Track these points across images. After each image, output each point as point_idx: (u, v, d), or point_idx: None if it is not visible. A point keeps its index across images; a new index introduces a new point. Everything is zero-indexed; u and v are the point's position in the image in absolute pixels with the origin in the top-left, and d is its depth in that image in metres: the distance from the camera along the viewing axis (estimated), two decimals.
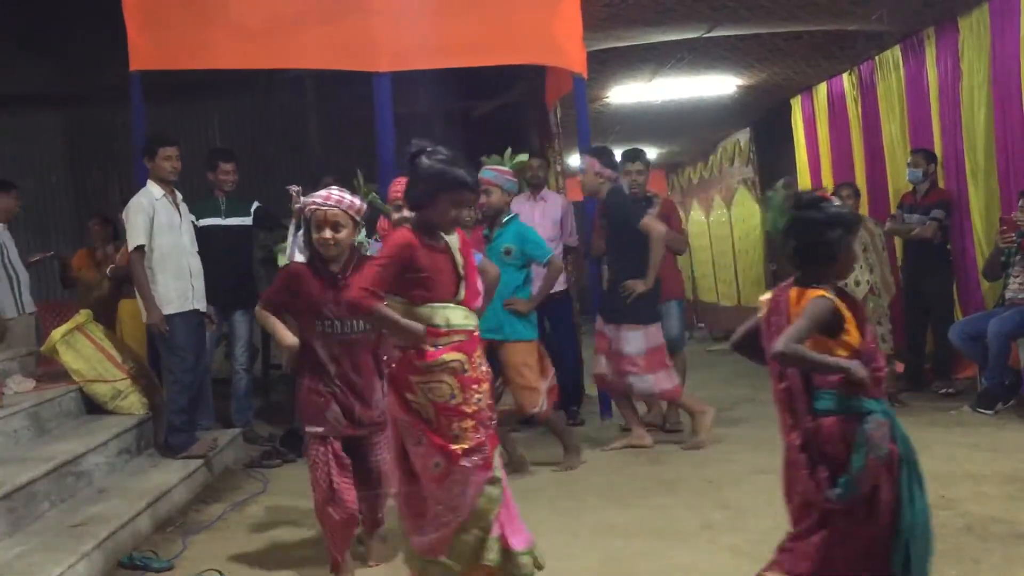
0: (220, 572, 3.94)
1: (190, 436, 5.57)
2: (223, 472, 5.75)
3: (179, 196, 5.68)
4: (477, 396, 3.29)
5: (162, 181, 5.54)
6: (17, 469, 4.41)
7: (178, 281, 5.50)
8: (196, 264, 5.66)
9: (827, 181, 9.39)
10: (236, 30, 6.14)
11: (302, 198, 3.83)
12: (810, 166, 10.06)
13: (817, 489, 2.64)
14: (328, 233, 3.71)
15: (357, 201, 3.80)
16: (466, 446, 3.24)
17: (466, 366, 3.28)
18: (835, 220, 2.72)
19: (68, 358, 5.61)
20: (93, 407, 5.68)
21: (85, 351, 5.66)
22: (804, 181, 10.02)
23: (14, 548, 3.91)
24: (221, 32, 6.16)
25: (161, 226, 5.46)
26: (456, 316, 3.31)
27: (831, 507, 2.64)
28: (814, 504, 2.68)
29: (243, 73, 6.79)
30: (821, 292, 2.67)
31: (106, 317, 6.52)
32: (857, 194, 7.49)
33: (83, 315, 5.85)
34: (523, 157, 5.56)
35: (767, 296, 2.86)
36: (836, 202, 2.81)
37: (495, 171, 5.28)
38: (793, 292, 2.75)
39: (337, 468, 3.75)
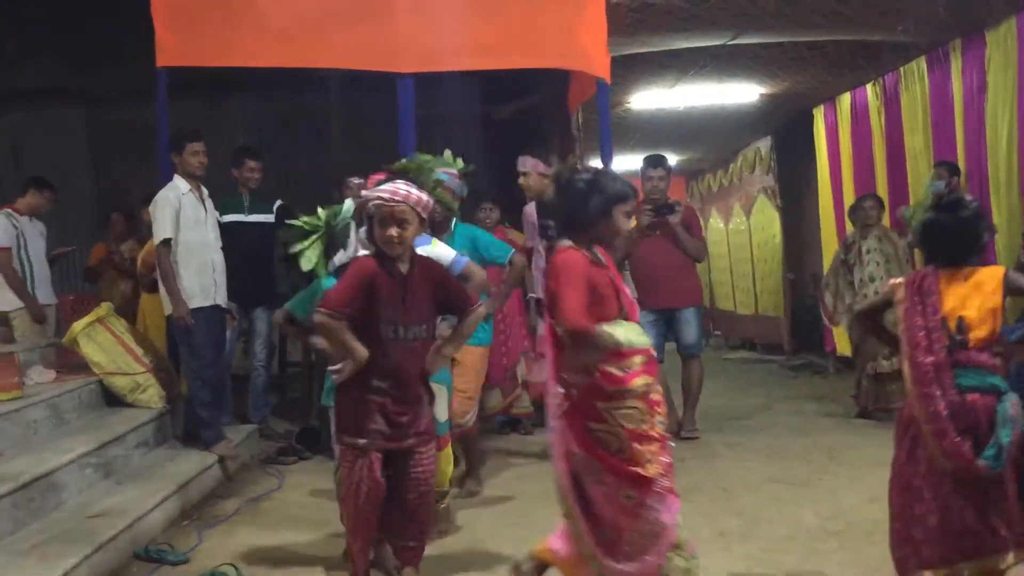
0: (235, 566, 3.96)
1: (218, 430, 5.62)
2: (239, 467, 5.78)
3: (205, 191, 5.71)
4: (659, 418, 3.17)
5: (189, 176, 5.57)
6: (36, 459, 4.45)
7: (202, 276, 5.52)
8: (220, 260, 5.67)
9: (848, 192, 9.34)
10: (262, 29, 6.17)
11: (364, 192, 3.57)
12: (831, 176, 10.02)
13: (969, 456, 2.99)
14: (394, 230, 3.44)
15: (424, 196, 3.56)
16: (659, 470, 3.11)
17: (651, 388, 3.16)
18: (978, 215, 3.29)
19: (89, 350, 5.65)
20: (112, 399, 5.72)
21: (106, 344, 5.71)
22: (825, 192, 9.99)
23: (32, 538, 3.95)
24: (247, 31, 6.19)
25: (187, 221, 5.48)
26: (633, 334, 3.19)
27: (984, 474, 2.99)
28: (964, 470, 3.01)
29: (267, 73, 6.82)
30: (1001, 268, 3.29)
31: (130, 312, 6.59)
32: (881, 205, 7.46)
33: (104, 308, 5.90)
34: (460, 164, 4.82)
35: (899, 280, 3.32)
36: (970, 199, 3.37)
37: (448, 174, 4.68)
38: (942, 274, 3.22)
39: (370, 483, 3.48)
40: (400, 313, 3.46)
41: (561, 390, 3.16)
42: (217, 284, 5.61)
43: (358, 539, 3.58)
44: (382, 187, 3.51)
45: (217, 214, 5.89)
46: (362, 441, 3.47)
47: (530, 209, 7.03)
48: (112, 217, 7.68)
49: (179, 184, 5.54)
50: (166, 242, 5.43)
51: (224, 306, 5.72)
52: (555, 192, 3.36)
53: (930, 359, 3.10)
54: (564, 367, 3.17)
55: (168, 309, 5.48)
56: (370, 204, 3.47)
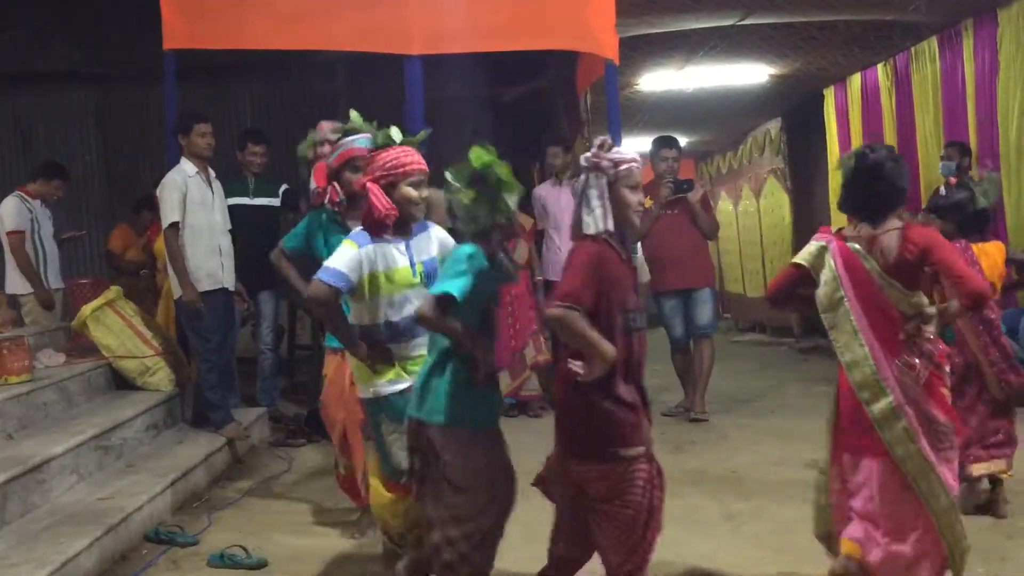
0: (244, 548, 3.98)
1: (227, 412, 5.63)
2: (248, 450, 5.81)
3: (212, 174, 5.69)
4: None
5: (196, 158, 5.54)
6: (46, 442, 4.47)
7: (209, 259, 5.52)
8: (227, 243, 5.66)
9: None
10: (269, 11, 6.16)
11: (604, 153, 2.94)
12: None
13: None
14: (640, 196, 3.00)
15: None
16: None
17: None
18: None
19: (98, 333, 5.67)
20: (122, 382, 5.74)
21: (115, 327, 5.73)
22: (835, 174, 9.92)
23: (43, 520, 3.97)
24: (255, 13, 6.17)
25: (194, 203, 5.46)
26: None
27: None
28: None
29: (275, 56, 6.81)
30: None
31: (152, 295, 6.63)
32: None
33: (113, 291, 5.91)
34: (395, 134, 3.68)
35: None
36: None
37: (368, 138, 3.82)
38: (975, 247, 4.28)
39: (661, 492, 2.97)
40: (635, 300, 3.01)
41: (916, 360, 3.09)
42: (224, 267, 5.60)
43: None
44: (616, 149, 2.97)
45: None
46: (642, 449, 2.92)
47: (541, 191, 7.03)
48: (142, 214, 7.54)
49: (186, 167, 5.53)
50: (173, 225, 5.42)
51: (232, 289, 5.72)
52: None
53: (994, 315, 4.12)
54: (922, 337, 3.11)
55: (177, 292, 5.48)
56: (619, 169, 2.92)
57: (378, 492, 3.52)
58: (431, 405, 3.01)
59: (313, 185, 4.02)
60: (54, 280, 6.79)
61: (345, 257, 3.25)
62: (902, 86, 8.58)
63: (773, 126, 11.89)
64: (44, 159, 7.47)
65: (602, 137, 3.03)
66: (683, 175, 7.15)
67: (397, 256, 3.33)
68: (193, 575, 3.89)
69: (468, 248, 3.00)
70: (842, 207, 3.35)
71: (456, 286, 2.90)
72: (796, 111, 11.22)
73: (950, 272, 3.12)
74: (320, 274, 3.25)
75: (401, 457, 3.26)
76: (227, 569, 3.89)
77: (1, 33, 8.13)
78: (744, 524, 4.21)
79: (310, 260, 4.07)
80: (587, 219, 2.90)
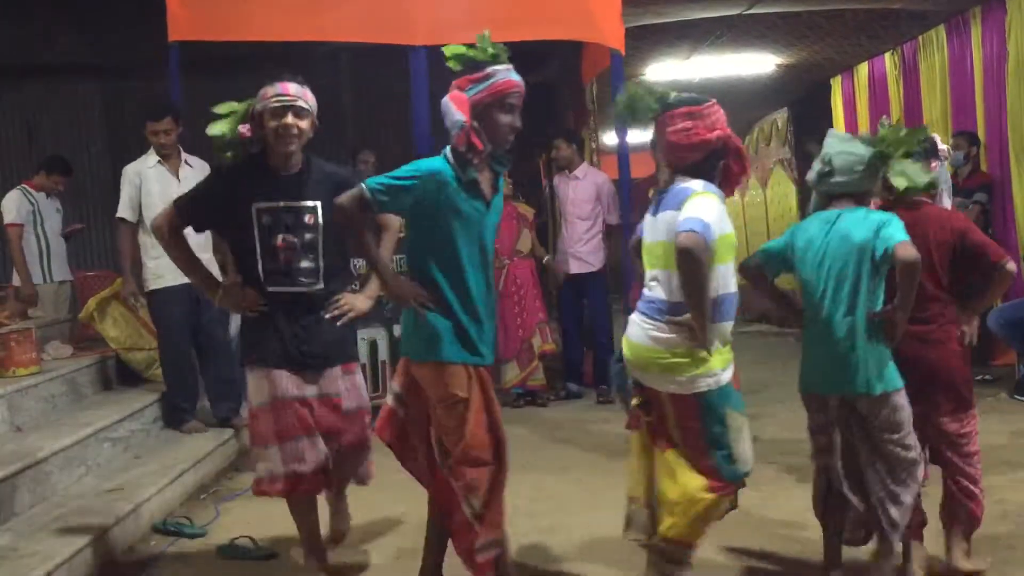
0: (252, 539, 3.99)
1: (179, 414, 5.40)
2: None
3: (188, 164, 5.40)
4: None
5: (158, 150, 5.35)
6: (54, 433, 4.49)
7: (170, 265, 5.26)
8: (199, 236, 5.30)
9: None
10: (274, 2, 6.16)
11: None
12: None
13: None
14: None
15: None
16: None
17: None
18: None
19: (105, 326, 5.69)
20: (129, 375, 5.76)
21: (122, 319, 5.74)
22: None
23: (52, 511, 3.98)
24: (259, 4, 6.17)
25: (151, 195, 5.24)
26: None
27: None
28: None
29: (279, 47, 6.79)
30: None
31: None
32: None
33: (120, 284, 5.91)
34: None
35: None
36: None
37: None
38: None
39: None
40: None
41: None
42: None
43: None
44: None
45: None
46: None
47: (556, 182, 7.03)
48: None
49: (148, 158, 5.36)
50: (120, 220, 5.34)
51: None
52: None
53: None
54: None
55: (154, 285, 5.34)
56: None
57: (695, 500, 3.09)
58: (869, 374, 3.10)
59: (460, 118, 3.10)
60: (60, 273, 6.80)
61: (715, 210, 2.94)
62: (910, 75, 8.54)
63: (780, 116, 11.85)
64: (49, 152, 7.48)
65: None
66: None
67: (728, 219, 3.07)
68: (201, 566, 3.89)
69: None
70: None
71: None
72: (803, 101, 11.18)
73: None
74: (688, 225, 2.87)
75: (749, 449, 3.13)
76: (235, 560, 3.90)
77: (7, 26, 8.13)
78: (753, 515, 4.20)
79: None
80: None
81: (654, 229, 3.12)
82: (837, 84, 10.23)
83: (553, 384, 7.05)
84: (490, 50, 3.19)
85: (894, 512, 3.14)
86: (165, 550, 4.02)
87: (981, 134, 7.23)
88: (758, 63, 9.30)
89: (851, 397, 3.16)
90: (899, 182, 3.26)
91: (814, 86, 10.45)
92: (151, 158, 5.38)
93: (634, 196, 6.97)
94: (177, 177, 5.36)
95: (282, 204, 3.36)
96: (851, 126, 9.89)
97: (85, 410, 5.08)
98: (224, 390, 5.51)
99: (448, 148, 3.11)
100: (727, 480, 3.11)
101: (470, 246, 3.11)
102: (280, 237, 3.34)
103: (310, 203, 3.39)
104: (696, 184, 3.03)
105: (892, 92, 8.92)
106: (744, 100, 11.18)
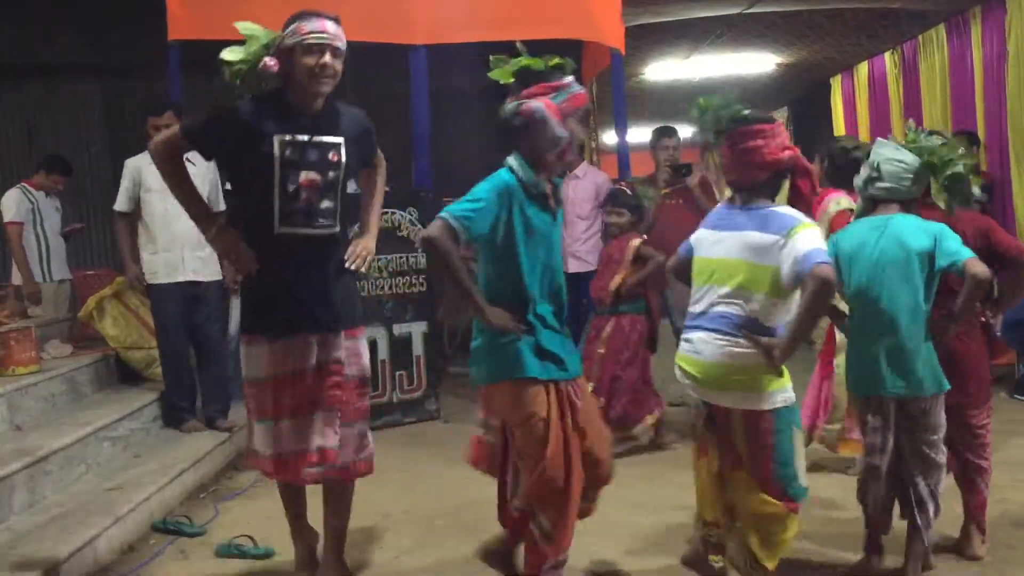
0: (252, 538, 3.98)
1: (178, 413, 5.38)
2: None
3: (187, 160, 5.34)
4: None
5: None
6: (54, 433, 4.48)
7: (166, 251, 5.25)
8: (192, 233, 4.98)
9: None
10: (273, 1, 6.14)
11: None
12: None
13: None
14: None
15: None
16: None
17: None
18: None
19: (104, 324, 5.68)
20: (129, 373, 5.75)
21: (121, 318, 5.73)
22: None
23: (51, 510, 3.98)
24: (258, 3, 6.16)
25: (150, 191, 5.23)
26: None
27: None
28: None
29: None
30: None
31: None
32: None
33: (120, 283, 5.91)
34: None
35: None
36: None
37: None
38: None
39: None
40: None
41: None
42: (185, 260, 5.25)
43: None
44: None
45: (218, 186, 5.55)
46: None
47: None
48: None
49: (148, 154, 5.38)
50: (118, 213, 5.35)
51: (201, 280, 5.34)
52: None
53: None
54: None
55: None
56: None
57: (779, 518, 3.12)
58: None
59: (564, 133, 3.08)
60: (59, 272, 6.81)
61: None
62: (909, 74, 8.54)
63: (780, 115, 11.85)
64: (49, 151, 7.48)
65: None
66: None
67: None
68: (201, 565, 3.89)
69: None
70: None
71: None
72: (803, 100, 11.19)
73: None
74: (820, 256, 2.87)
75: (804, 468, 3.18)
76: (235, 559, 3.90)
77: (7, 25, 8.13)
78: None
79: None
80: None
81: (727, 246, 3.12)
82: (837, 83, 10.23)
83: None
84: (552, 61, 3.20)
85: (931, 510, 3.25)
86: (164, 549, 4.02)
87: (981, 134, 7.23)
88: (758, 62, 9.31)
89: (906, 398, 3.21)
90: (941, 201, 3.32)
91: (814, 85, 10.46)
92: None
93: None
94: None
95: (308, 139, 3.14)
96: (851, 125, 9.90)
97: (85, 409, 5.08)
98: (215, 391, 5.48)
99: (515, 159, 3.06)
100: (796, 499, 3.15)
101: (541, 259, 3.11)
102: (303, 174, 3.13)
103: (336, 139, 3.21)
104: (792, 212, 3.07)
105: (892, 91, 8.92)
106: (744, 99, 11.16)
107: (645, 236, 5.49)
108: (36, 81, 8.96)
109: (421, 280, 6.23)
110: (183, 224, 5.16)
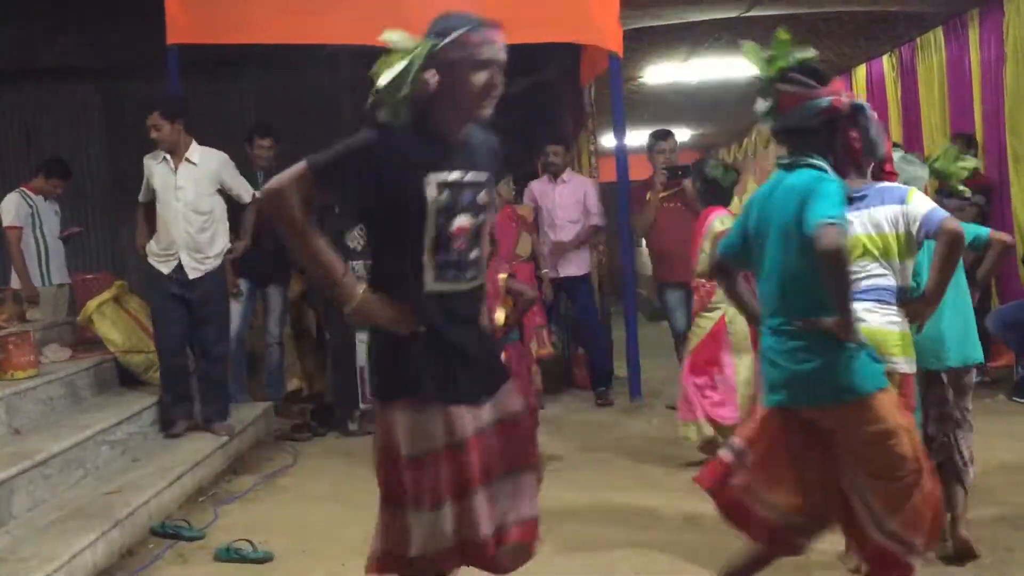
0: (251, 542, 3.98)
1: (168, 414, 5.37)
2: (255, 444, 5.81)
3: (187, 160, 5.32)
4: None
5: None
6: (53, 436, 4.49)
7: (160, 244, 5.31)
8: (184, 232, 5.27)
9: None
10: (272, 5, 6.16)
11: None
12: None
13: None
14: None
15: None
16: None
17: None
18: None
19: (103, 328, 5.68)
20: (128, 377, 5.75)
21: (120, 322, 5.74)
22: None
23: (50, 514, 3.98)
24: (257, 7, 6.18)
25: (156, 188, 5.36)
26: None
27: None
28: None
29: (278, 50, 6.79)
30: None
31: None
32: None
33: (118, 287, 5.92)
34: None
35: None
36: None
37: None
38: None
39: None
40: None
41: None
42: (183, 262, 5.27)
43: None
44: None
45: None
46: None
47: (535, 186, 7.03)
48: None
49: (159, 152, 5.37)
50: (140, 205, 5.58)
51: (195, 279, 5.31)
52: None
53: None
54: None
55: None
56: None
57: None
58: None
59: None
60: (58, 275, 6.81)
61: None
62: (907, 77, 8.55)
63: None
64: (48, 155, 7.48)
65: None
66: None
67: None
68: (200, 569, 3.89)
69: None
70: None
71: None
72: None
73: None
74: (943, 212, 3.07)
75: None
76: (234, 563, 3.90)
77: (6, 27, 8.13)
78: None
79: None
80: None
81: (863, 223, 3.17)
82: None
83: (548, 387, 7.04)
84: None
85: (972, 472, 3.64)
86: (163, 553, 4.02)
87: (979, 136, 7.23)
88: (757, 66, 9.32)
89: (959, 370, 3.63)
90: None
91: None
92: (160, 152, 5.39)
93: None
94: (175, 173, 5.33)
95: (463, 177, 2.56)
96: None
97: (84, 413, 5.08)
98: (210, 392, 5.47)
99: (822, 159, 2.85)
100: None
101: None
102: (457, 220, 2.54)
103: (483, 175, 2.63)
104: (901, 184, 3.30)
105: (890, 94, 8.93)
106: (742, 102, 11.18)
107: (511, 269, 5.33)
108: (35, 82, 8.95)
109: None
110: (178, 229, 5.27)
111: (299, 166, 2.49)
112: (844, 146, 2.96)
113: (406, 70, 2.53)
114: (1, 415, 4.56)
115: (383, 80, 2.54)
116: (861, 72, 9.53)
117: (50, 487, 4.21)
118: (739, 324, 4.84)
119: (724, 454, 2.96)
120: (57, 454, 4.30)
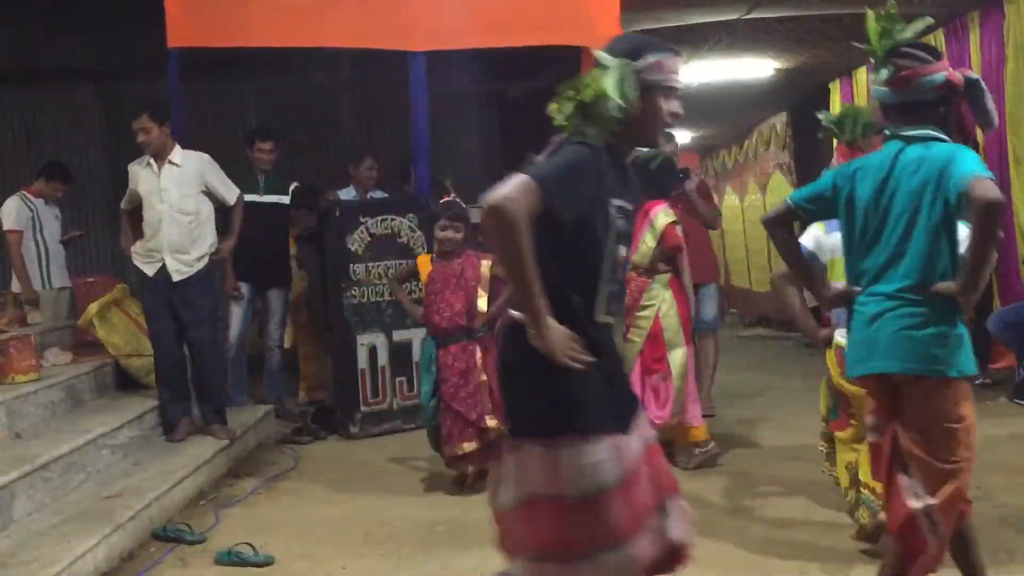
0: (252, 545, 3.98)
1: (168, 417, 5.36)
2: (255, 447, 5.81)
3: (170, 163, 5.32)
4: None
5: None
6: (54, 440, 4.49)
7: (147, 251, 5.30)
8: (170, 234, 5.25)
9: None
10: (273, 8, 6.17)
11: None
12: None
13: None
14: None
15: None
16: None
17: None
18: None
19: (104, 332, 5.69)
20: (128, 381, 5.76)
21: (120, 325, 5.74)
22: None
23: (51, 518, 3.98)
24: (258, 10, 6.18)
25: (140, 194, 5.35)
26: None
27: None
28: None
29: (279, 53, 6.79)
30: None
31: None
32: None
33: (119, 290, 5.92)
34: None
35: None
36: None
37: None
38: None
39: None
40: None
41: None
42: (167, 263, 5.25)
43: None
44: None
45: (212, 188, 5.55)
46: None
47: None
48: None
49: (144, 156, 5.38)
50: (123, 211, 5.55)
51: (181, 281, 5.29)
52: None
53: None
54: None
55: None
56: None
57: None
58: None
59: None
60: (59, 279, 6.82)
61: None
62: None
63: (779, 120, 11.85)
64: (48, 158, 7.49)
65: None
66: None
67: None
68: (201, 572, 3.89)
69: None
70: None
71: None
72: (802, 105, 11.17)
73: None
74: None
75: None
76: (235, 567, 3.89)
77: (6, 28, 8.14)
78: (751, 519, 4.21)
79: None
80: None
81: None
82: (836, 88, 10.23)
83: None
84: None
85: None
86: (164, 557, 4.02)
87: (979, 138, 7.23)
88: (757, 67, 9.31)
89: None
90: None
91: (813, 90, 10.45)
92: (146, 157, 5.38)
93: None
94: (159, 176, 5.31)
95: (629, 204, 2.48)
96: None
97: (84, 416, 5.08)
98: (206, 393, 5.46)
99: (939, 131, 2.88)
100: None
101: None
102: (622, 249, 2.48)
103: (632, 204, 2.54)
104: None
105: None
106: (743, 104, 11.19)
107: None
108: (35, 84, 8.97)
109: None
110: (164, 231, 5.25)
111: (524, 179, 2.24)
112: (956, 119, 3.01)
113: (618, 87, 2.42)
114: (2, 419, 4.56)
115: (599, 93, 2.44)
116: (862, 74, 9.52)
117: (51, 491, 4.21)
118: (671, 319, 4.95)
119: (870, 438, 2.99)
120: (58, 458, 4.30)
